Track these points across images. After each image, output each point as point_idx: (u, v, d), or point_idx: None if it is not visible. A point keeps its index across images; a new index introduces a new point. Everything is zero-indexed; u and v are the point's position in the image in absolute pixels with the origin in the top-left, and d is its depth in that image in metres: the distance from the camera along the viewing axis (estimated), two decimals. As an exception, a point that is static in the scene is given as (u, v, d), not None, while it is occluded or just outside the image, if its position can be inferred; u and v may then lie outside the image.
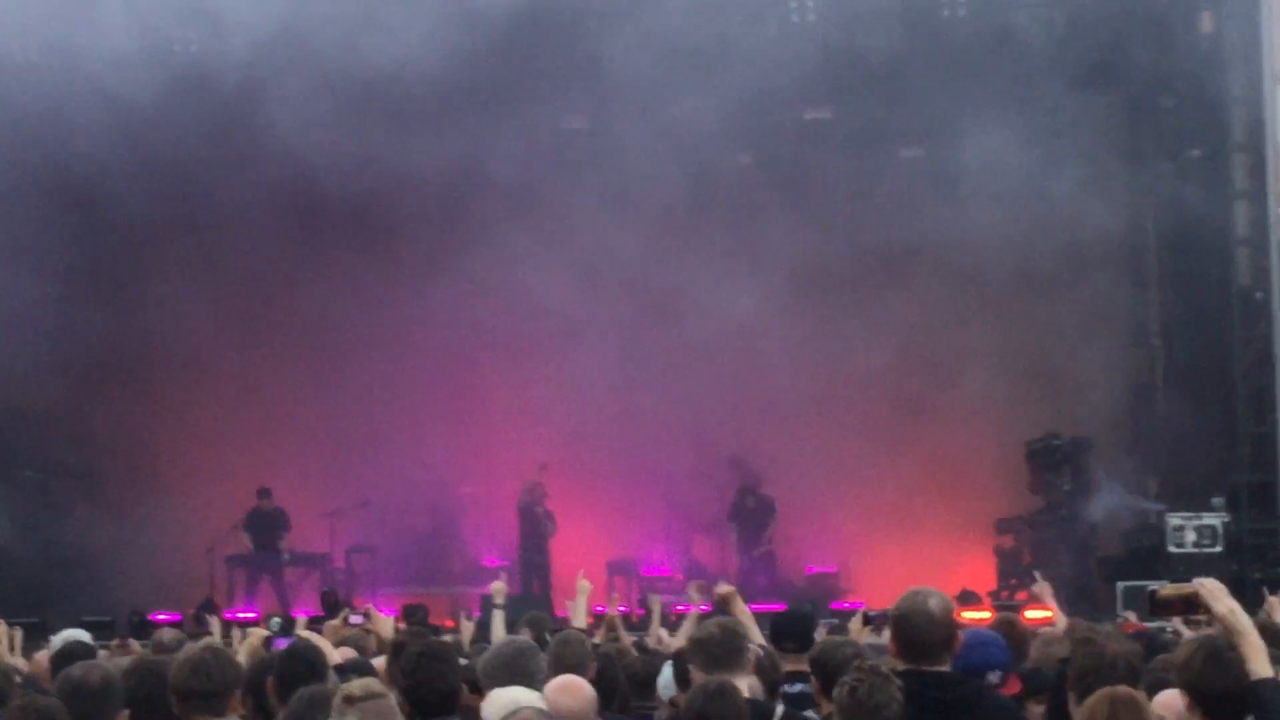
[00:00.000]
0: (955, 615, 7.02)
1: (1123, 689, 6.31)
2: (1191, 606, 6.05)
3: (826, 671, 8.15)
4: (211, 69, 22.08)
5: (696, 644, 8.22)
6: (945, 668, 6.87)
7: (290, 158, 24.21)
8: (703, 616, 12.90)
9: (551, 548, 25.22)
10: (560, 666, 8.38)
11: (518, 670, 7.81)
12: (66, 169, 22.93)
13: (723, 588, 10.94)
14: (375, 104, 22.01)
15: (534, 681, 7.85)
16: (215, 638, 13.16)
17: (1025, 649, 9.56)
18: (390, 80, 21.50)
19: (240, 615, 20.99)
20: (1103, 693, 6.29)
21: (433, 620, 22.52)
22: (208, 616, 14.30)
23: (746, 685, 8.02)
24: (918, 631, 6.83)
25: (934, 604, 6.87)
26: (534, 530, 25.25)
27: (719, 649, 8.10)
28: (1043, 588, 13.70)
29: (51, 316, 24.51)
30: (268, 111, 22.01)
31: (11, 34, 22.64)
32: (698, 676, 8.11)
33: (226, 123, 22.80)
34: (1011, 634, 8.98)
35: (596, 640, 11.35)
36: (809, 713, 8.76)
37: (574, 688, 7.52)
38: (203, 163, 23.30)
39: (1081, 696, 6.99)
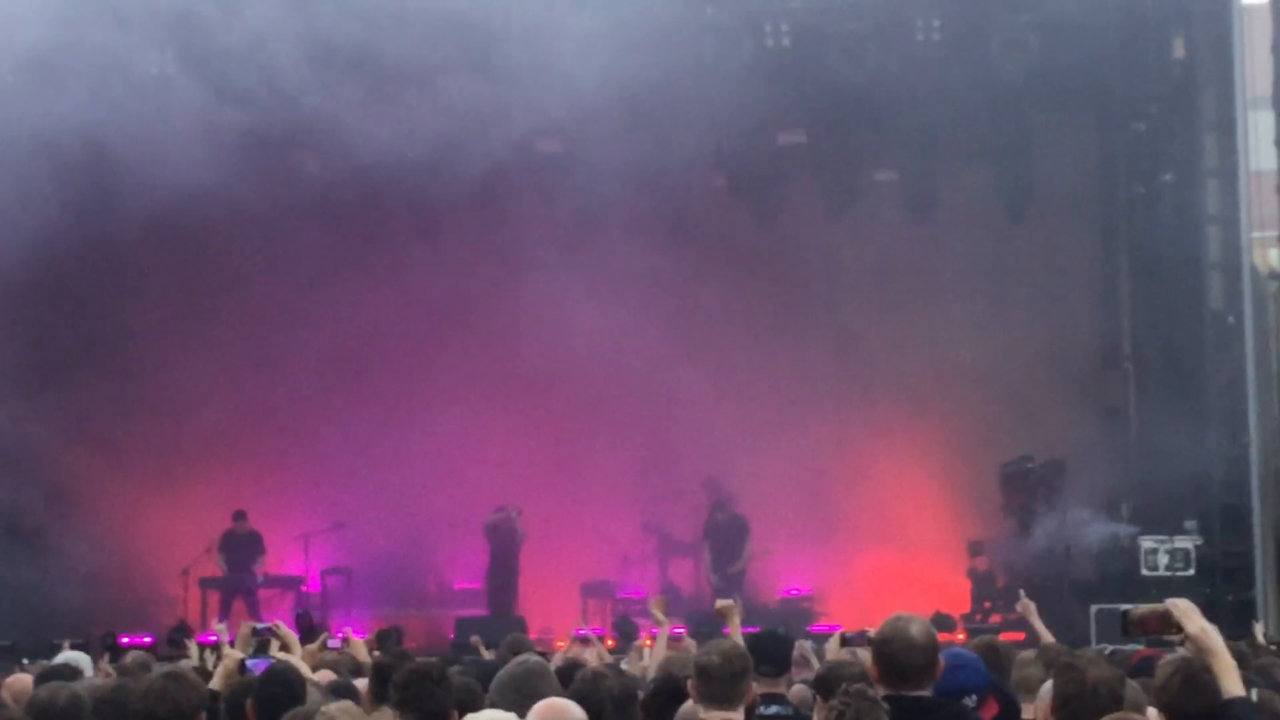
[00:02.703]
0: (937, 641, 7.06)
1: (1133, 717, 6.37)
2: (1165, 625, 6.09)
3: (832, 690, 8.12)
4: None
5: (700, 672, 7.79)
6: (926, 693, 6.92)
7: (268, 176, 24.18)
8: (673, 639, 12.85)
9: (521, 568, 25.19)
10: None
11: (528, 691, 7.55)
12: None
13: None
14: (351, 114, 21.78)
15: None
16: (193, 660, 13.12)
17: (1008, 671, 9.55)
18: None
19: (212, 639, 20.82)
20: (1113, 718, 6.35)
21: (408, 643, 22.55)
22: (185, 641, 14.19)
23: (741, 713, 7.89)
24: (899, 657, 6.90)
25: (916, 630, 6.94)
26: (503, 550, 25.22)
27: (720, 684, 7.73)
28: (1027, 606, 13.39)
29: (22, 332, 24.38)
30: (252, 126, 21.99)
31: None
32: (696, 704, 7.84)
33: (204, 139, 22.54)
34: (993, 656, 9.00)
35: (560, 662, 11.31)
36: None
37: (563, 711, 7.32)
38: (178, 178, 23.04)
39: None
